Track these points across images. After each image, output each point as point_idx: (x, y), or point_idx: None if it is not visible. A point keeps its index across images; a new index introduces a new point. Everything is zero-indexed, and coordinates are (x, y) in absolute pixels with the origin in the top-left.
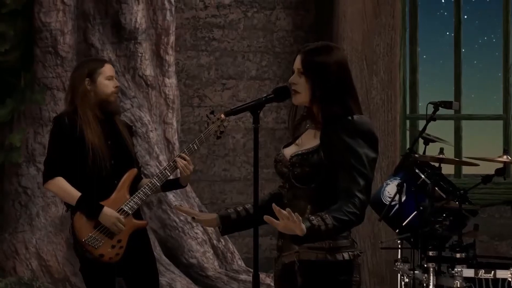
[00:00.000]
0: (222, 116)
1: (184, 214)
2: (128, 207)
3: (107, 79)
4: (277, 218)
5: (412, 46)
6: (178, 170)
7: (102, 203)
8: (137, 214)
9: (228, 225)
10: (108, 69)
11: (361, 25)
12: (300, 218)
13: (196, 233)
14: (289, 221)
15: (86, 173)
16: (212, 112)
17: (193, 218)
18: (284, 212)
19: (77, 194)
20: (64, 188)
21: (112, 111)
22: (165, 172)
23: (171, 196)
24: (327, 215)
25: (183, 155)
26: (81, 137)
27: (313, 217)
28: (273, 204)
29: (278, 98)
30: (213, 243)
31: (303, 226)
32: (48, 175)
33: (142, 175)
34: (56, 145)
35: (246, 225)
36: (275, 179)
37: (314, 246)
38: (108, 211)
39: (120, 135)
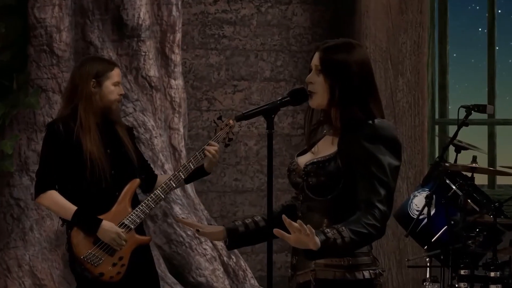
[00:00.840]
0: (231, 122)
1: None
2: (129, 221)
3: (113, 85)
4: (288, 231)
5: (441, 44)
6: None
7: (101, 217)
8: (140, 228)
9: (236, 238)
10: (116, 74)
11: (386, 21)
12: (313, 230)
13: (204, 249)
14: (301, 234)
15: (84, 185)
16: (220, 117)
17: (197, 230)
18: (295, 224)
19: (73, 207)
20: (58, 201)
21: (113, 120)
22: (170, 183)
23: (177, 208)
24: (343, 228)
25: (212, 142)
26: (77, 145)
27: (328, 230)
28: (283, 216)
29: (294, 101)
30: (224, 260)
31: (317, 240)
32: (40, 189)
33: (156, 174)
34: (49, 155)
35: (255, 239)
36: (291, 190)
37: (331, 264)
38: (108, 226)
39: (121, 142)
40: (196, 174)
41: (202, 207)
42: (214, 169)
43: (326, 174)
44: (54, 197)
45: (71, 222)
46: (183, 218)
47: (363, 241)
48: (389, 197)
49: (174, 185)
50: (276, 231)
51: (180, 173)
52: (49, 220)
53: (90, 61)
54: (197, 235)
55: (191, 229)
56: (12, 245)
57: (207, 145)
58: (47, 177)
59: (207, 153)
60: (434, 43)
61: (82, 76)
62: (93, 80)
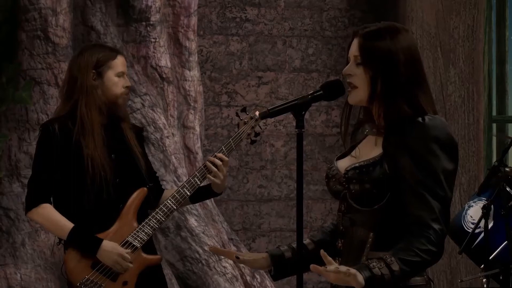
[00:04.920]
0: (257, 113)
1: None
2: (135, 239)
3: (117, 76)
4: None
5: (499, 29)
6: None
7: (101, 235)
8: (149, 245)
9: (282, 266)
10: (120, 63)
11: (435, 2)
12: (354, 271)
13: (224, 267)
14: (340, 274)
15: (83, 197)
16: (244, 110)
17: (237, 258)
18: (332, 266)
19: (69, 225)
20: (51, 217)
21: (120, 117)
22: (184, 191)
23: (192, 220)
24: (393, 258)
25: (219, 155)
26: (77, 149)
27: (374, 263)
28: (322, 251)
29: (328, 95)
30: (246, 279)
31: (360, 279)
32: (31, 202)
33: (162, 187)
34: (42, 162)
35: (304, 265)
36: (324, 198)
37: None
38: (109, 246)
39: (129, 146)
40: (205, 193)
41: (222, 218)
42: (223, 190)
43: (371, 180)
44: (47, 212)
45: (67, 241)
46: (216, 247)
47: (417, 271)
48: (445, 211)
49: (189, 194)
50: (313, 267)
51: (194, 181)
52: (44, 234)
53: (89, 49)
54: (236, 263)
55: (225, 258)
56: (1, 262)
57: (212, 156)
58: (39, 188)
59: (211, 169)
60: (491, 27)
61: (81, 67)
62: (93, 71)
